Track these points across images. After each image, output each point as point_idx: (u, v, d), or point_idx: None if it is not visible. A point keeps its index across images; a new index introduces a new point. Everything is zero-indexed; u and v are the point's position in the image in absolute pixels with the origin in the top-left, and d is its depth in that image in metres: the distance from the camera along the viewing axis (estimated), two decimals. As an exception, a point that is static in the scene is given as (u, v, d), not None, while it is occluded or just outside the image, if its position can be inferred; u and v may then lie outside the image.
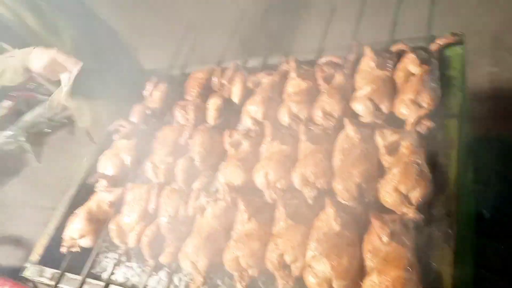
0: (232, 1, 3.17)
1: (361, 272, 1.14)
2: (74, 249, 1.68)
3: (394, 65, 1.57)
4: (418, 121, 1.35)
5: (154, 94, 2.08)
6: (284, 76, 1.78)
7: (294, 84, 1.71)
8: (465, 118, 1.41)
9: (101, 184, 1.83)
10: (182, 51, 2.23)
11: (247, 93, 1.82)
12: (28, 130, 3.42)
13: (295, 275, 1.22)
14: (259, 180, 1.47)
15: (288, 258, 1.24)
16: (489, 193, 2.18)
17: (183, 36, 2.25)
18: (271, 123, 1.61)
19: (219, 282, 1.39)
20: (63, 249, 1.68)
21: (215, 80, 1.97)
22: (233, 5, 2.92)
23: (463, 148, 1.35)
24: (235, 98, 1.86)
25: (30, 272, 1.72)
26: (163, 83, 2.10)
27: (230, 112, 1.83)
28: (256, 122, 1.69)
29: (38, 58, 1.92)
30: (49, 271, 1.68)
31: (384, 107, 1.48)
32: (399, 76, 1.54)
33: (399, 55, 1.60)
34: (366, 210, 1.24)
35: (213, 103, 1.86)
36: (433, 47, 1.57)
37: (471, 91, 1.66)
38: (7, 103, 3.42)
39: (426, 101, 1.38)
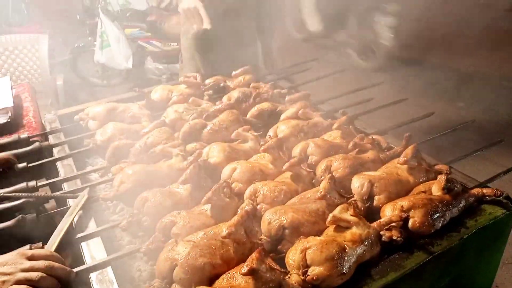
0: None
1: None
2: (81, 122, 1.90)
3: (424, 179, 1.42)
4: (387, 224, 1.18)
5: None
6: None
7: (329, 134, 1.67)
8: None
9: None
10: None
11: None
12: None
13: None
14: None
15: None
16: None
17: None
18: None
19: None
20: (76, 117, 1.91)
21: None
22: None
23: None
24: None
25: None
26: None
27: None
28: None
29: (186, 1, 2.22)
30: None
31: (377, 200, 1.33)
32: (418, 188, 1.38)
33: (436, 172, 1.43)
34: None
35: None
36: (475, 190, 1.36)
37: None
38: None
39: (416, 218, 1.21)
